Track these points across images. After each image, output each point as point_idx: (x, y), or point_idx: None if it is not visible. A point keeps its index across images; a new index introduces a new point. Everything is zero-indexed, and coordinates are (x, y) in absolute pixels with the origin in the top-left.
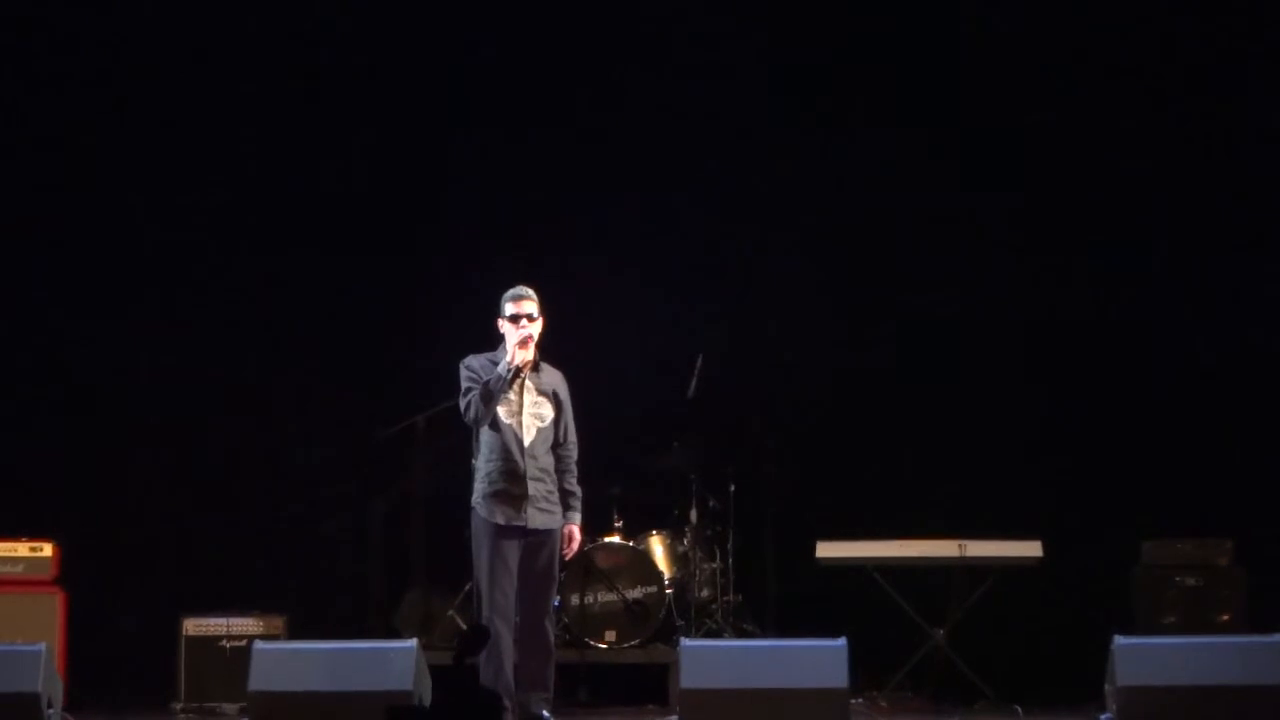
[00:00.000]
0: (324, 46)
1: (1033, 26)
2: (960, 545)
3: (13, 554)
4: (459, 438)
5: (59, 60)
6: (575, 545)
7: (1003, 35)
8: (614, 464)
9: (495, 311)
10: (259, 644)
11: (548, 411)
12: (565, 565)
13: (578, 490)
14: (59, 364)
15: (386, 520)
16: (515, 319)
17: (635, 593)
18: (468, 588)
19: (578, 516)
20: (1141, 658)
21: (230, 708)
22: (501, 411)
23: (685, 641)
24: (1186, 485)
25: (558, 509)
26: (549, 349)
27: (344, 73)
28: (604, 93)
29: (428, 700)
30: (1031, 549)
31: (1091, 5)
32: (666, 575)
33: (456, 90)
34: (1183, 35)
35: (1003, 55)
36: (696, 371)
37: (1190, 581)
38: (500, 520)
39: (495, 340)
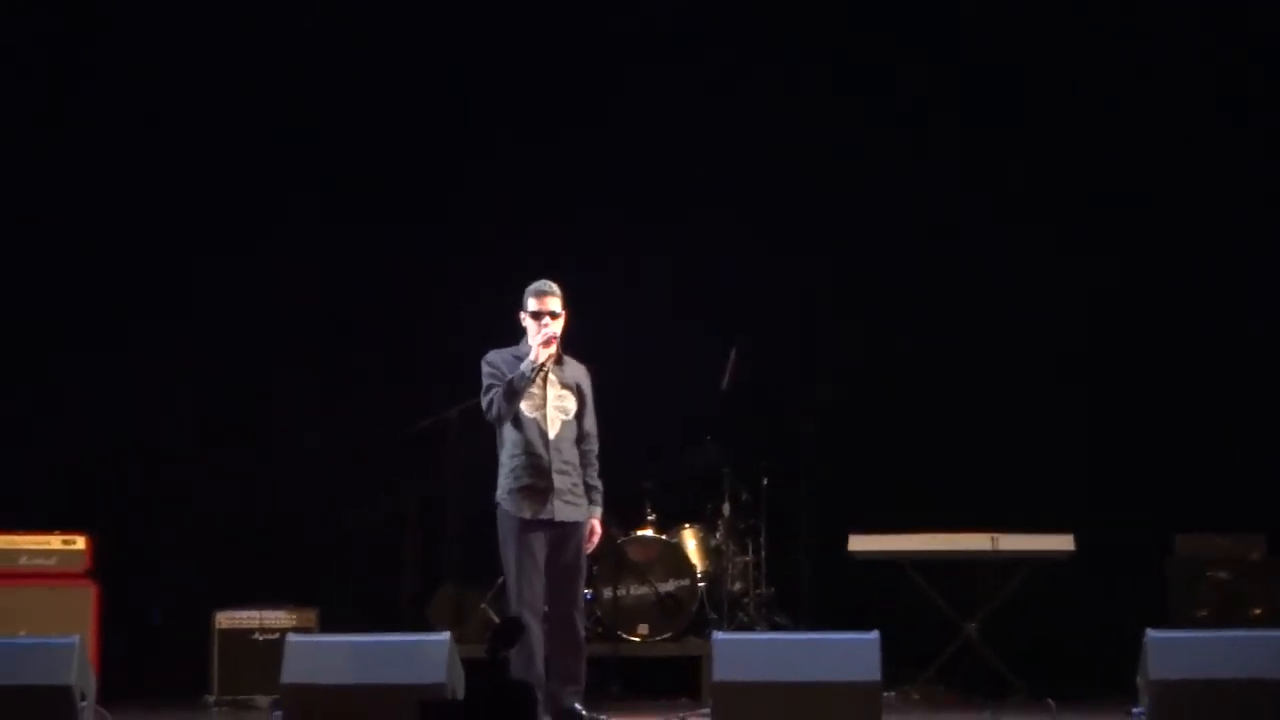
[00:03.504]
0: (340, 36)
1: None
2: (992, 539)
3: (46, 547)
4: (492, 431)
5: (57, 52)
6: (597, 538)
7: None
8: (647, 457)
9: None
10: (291, 636)
11: (571, 405)
12: (596, 558)
13: (599, 484)
14: (92, 355)
15: (420, 513)
16: (538, 315)
17: (668, 586)
18: (500, 581)
19: (600, 510)
20: (1174, 651)
21: (262, 700)
22: (525, 406)
23: (717, 634)
24: (1219, 479)
25: (583, 501)
26: (579, 343)
27: (368, 66)
28: (641, 87)
29: (460, 693)
30: (1064, 542)
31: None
32: (699, 568)
33: (488, 88)
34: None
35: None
36: (730, 365)
37: (1223, 575)
38: (526, 514)
39: (522, 333)
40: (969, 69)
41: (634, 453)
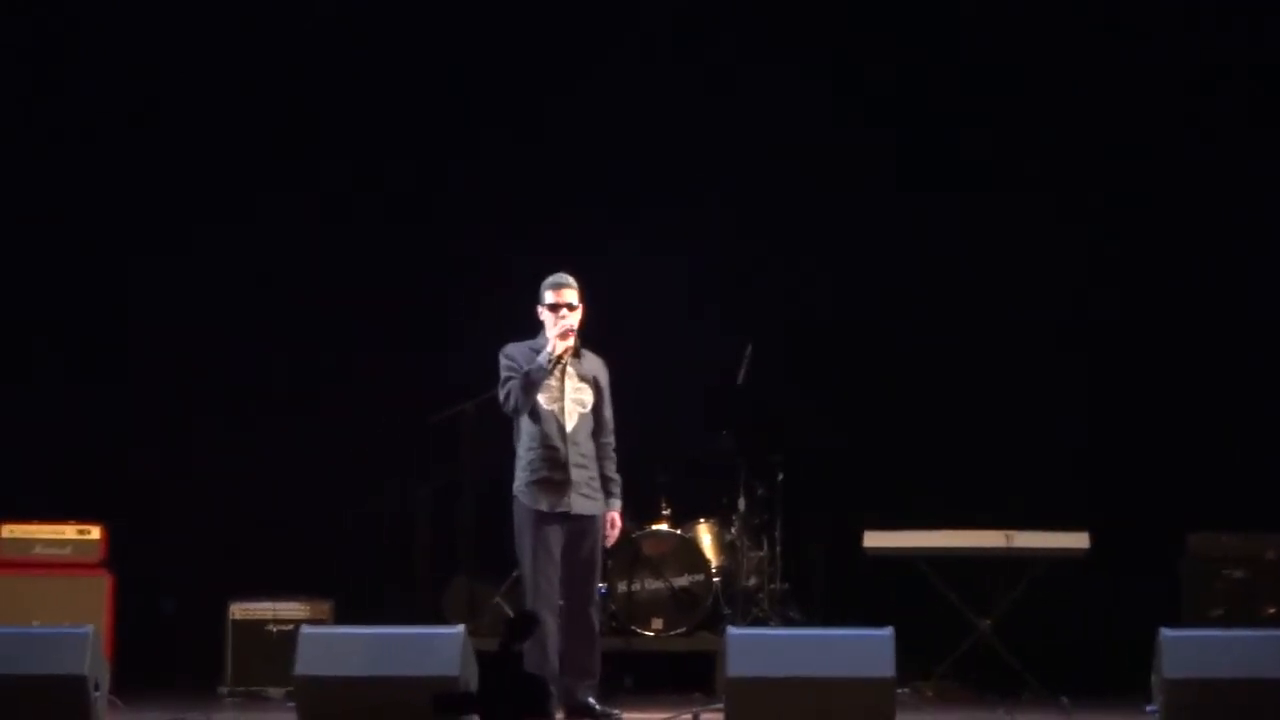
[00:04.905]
0: (340, 36)
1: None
2: (1007, 536)
3: (60, 536)
4: (508, 424)
5: (65, 52)
6: (616, 531)
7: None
8: (662, 452)
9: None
10: (305, 628)
11: (589, 397)
12: (611, 552)
13: (617, 477)
14: (108, 350)
15: (435, 506)
16: (555, 308)
17: (682, 581)
18: (515, 574)
19: (618, 503)
20: (1188, 650)
21: (276, 692)
22: (543, 398)
23: (732, 630)
24: (1234, 478)
25: (600, 495)
26: (595, 336)
27: (369, 66)
28: (641, 87)
29: (473, 686)
30: (1079, 540)
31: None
32: (714, 563)
33: (488, 88)
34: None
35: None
36: (746, 360)
37: (1237, 574)
38: (543, 507)
39: (538, 326)
40: (969, 69)
41: (650, 447)
